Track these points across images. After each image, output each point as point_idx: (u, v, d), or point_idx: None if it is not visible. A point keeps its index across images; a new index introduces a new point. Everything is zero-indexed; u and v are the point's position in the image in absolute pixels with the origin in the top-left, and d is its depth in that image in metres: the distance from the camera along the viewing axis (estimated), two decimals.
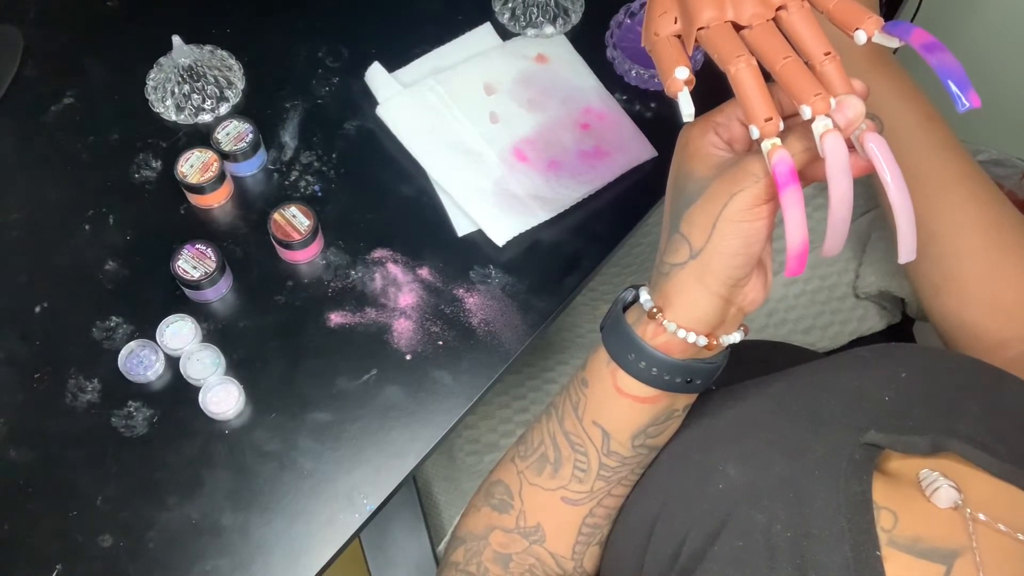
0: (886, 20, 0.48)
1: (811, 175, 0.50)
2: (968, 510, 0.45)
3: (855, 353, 0.59)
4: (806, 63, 0.47)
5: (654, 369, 0.53)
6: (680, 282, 0.51)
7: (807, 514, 0.47)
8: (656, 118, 0.83)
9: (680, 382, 0.53)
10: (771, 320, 0.89)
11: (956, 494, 0.46)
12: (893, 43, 0.47)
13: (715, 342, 0.53)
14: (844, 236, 0.46)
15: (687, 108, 0.48)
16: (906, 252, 0.46)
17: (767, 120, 0.46)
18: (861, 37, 0.47)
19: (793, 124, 0.49)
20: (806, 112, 0.46)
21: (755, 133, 0.47)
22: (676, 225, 0.52)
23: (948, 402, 0.52)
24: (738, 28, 0.49)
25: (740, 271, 0.50)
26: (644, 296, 0.54)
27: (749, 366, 0.69)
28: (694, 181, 0.51)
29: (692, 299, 0.51)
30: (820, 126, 0.45)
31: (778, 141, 0.46)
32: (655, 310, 0.52)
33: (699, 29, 0.49)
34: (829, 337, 0.90)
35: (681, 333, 0.52)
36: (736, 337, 0.54)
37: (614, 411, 0.55)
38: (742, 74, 0.47)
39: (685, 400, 0.57)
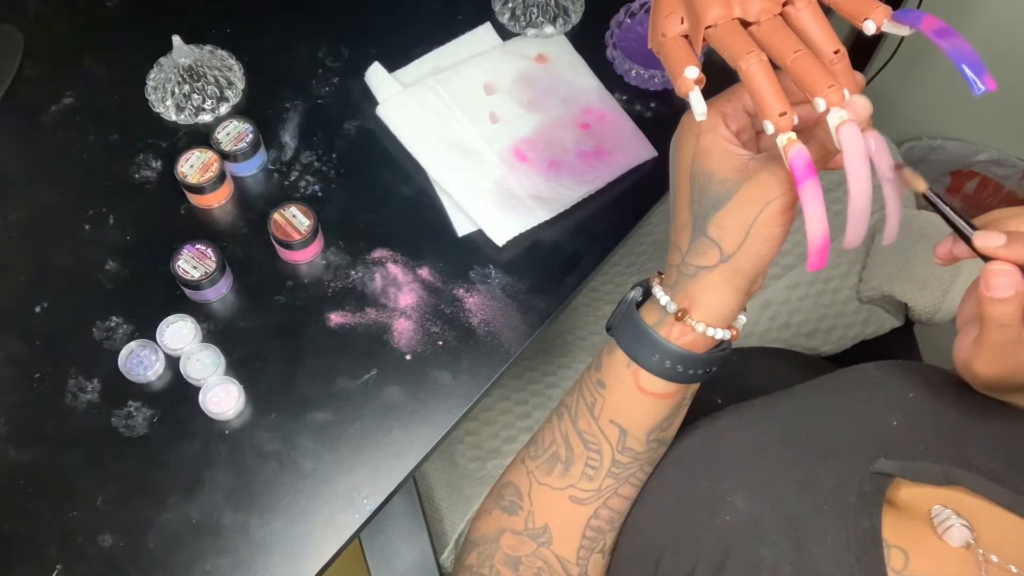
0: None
1: (830, 167, 0.51)
2: (980, 551, 0.45)
3: (861, 371, 0.59)
4: None
5: (679, 366, 0.54)
6: (709, 283, 0.52)
7: (816, 553, 0.47)
8: (656, 118, 0.83)
9: (702, 373, 0.55)
10: (774, 324, 0.89)
11: (968, 533, 0.46)
12: (903, 31, 0.47)
13: (736, 332, 0.55)
14: (865, 227, 0.46)
15: (699, 107, 0.48)
16: (890, 234, 0.49)
17: (781, 115, 0.46)
18: (870, 27, 0.47)
19: (802, 120, 0.49)
20: (820, 105, 0.46)
21: (770, 128, 0.47)
22: (703, 228, 0.52)
23: (957, 425, 0.52)
24: (745, 25, 0.50)
25: (765, 269, 0.52)
26: (664, 298, 0.54)
27: (756, 377, 0.70)
28: (718, 183, 0.51)
29: (720, 299, 0.52)
30: (836, 118, 0.46)
31: (793, 135, 0.46)
32: (681, 312, 0.53)
33: (707, 28, 0.49)
34: (833, 341, 0.90)
35: (710, 331, 0.53)
36: (743, 319, 0.56)
37: (635, 409, 0.56)
38: (753, 70, 0.47)
39: (694, 388, 0.58)
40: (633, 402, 0.55)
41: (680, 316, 0.53)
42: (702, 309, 0.53)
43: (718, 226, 0.51)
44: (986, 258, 0.46)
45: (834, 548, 0.46)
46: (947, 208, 0.47)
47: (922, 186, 0.47)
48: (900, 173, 0.47)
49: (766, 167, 0.49)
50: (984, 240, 0.46)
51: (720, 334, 0.53)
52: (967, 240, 0.47)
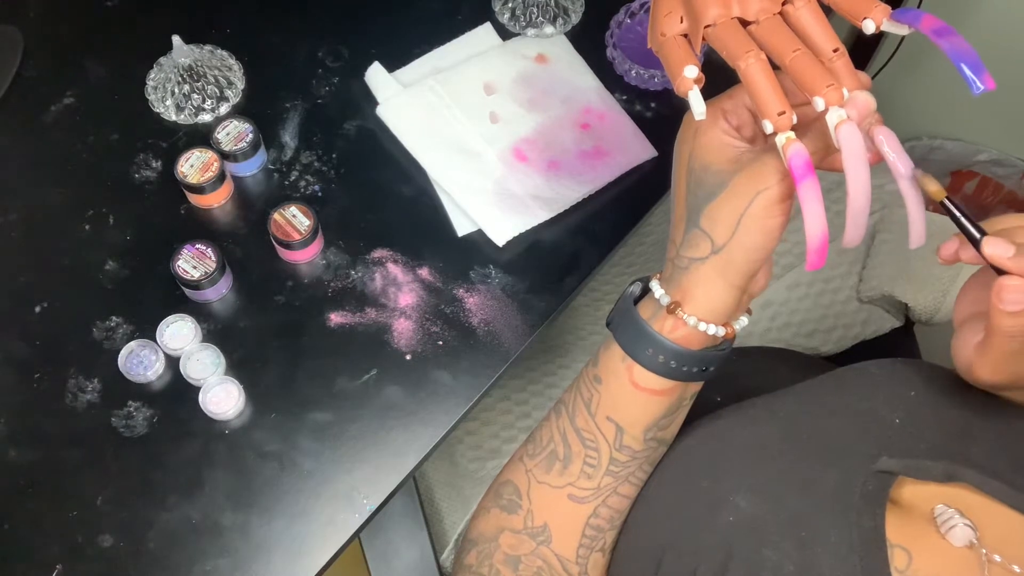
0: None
1: (827, 166, 0.51)
2: (983, 551, 0.45)
3: (862, 369, 0.59)
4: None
5: (673, 362, 0.53)
6: (701, 276, 0.52)
7: (819, 553, 0.47)
8: (656, 118, 0.83)
9: (697, 371, 0.54)
10: (774, 323, 0.89)
11: (971, 532, 0.46)
12: (903, 30, 0.47)
13: (731, 330, 0.54)
14: (864, 226, 0.46)
15: (698, 107, 0.48)
16: (916, 237, 0.47)
17: (780, 114, 0.46)
18: (869, 26, 0.47)
19: (805, 118, 0.49)
20: (819, 104, 0.46)
21: (768, 128, 0.47)
22: (696, 220, 0.52)
23: (959, 422, 0.52)
24: (745, 24, 0.50)
25: (759, 264, 0.51)
26: (659, 291, 0.54)
27: (756, 376, 0.69)
28: (713, 175, 0.51)
29: (713, 292, 0.52)
30: (834, 117, 0.45)
31: (792, 134, 0.46)
32: (673, 305, 0.53)
33: (706, 27, 0.49)
34: (833, 341, 0.90)
35: (702, 326, 0.52)
36: (744, 320, 0.55)
37: (631, 406, 0.55)
38: (752, 69, 0.47)
39: (694, 388, 0.58)
40: (629, 398, 0.55)
41: (672, 309, 0.52)
42: (694, 302, 0.52)
43: (710, 217, 0.51)
44: (997, 268, 0.45)
45: (837, 548, 0.46)
46: (961, 215, 0.46)
47: (940, 193, 0.46)
48: (916, 176, 0.47)
49: (760, 157, 0.49)
50: (993, 248, 0.45)
51: (712, 330, 0.52)
52: (976, 245, 0.46)
